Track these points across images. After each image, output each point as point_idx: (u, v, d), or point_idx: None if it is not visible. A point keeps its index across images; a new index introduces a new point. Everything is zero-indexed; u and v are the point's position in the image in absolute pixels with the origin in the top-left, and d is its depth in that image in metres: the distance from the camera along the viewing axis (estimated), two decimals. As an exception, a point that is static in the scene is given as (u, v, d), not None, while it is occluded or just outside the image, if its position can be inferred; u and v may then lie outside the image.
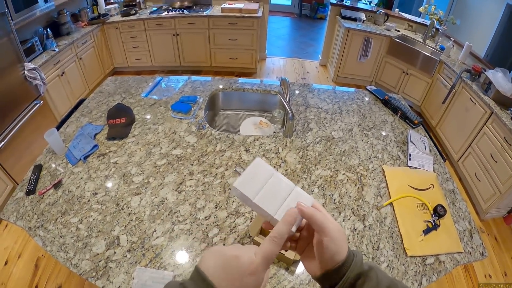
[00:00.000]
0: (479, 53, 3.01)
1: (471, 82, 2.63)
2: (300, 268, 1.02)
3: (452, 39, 3.18)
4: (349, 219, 1.19)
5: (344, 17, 3.95)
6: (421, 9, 3.64)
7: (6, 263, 1.96)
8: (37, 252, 2.02)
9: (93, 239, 1.07)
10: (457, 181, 2.75)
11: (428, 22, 3.55)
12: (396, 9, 4.22)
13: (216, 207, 1.20)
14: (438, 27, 3.42)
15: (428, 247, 1.10)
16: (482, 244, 1.15)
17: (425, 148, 1.52)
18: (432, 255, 1.09)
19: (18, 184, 2.28)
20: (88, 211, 1.16)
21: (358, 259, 0.42)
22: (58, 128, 1.59)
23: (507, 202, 2.26)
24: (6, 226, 2.21)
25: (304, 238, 0.47)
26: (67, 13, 3.21)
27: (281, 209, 0.46)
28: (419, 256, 1.08)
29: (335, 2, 4.18)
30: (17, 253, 2.03)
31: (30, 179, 1.30)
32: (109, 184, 1.28)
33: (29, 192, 1.24)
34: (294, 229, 0.43)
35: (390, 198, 1.27)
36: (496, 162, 2.24)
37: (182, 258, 1.03)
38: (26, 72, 2.42)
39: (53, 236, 1.08)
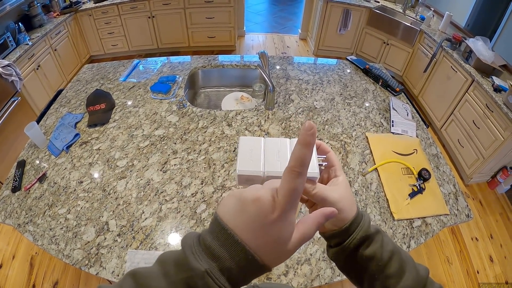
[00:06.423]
0: (459, 23, 3.02)
1: (452, 51, 2.65)
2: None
3: (432, 8, 3.18)
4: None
5: (322, -11, 3.88)
6: (400, -20, 3.61)
7: (1, 266, 1.92)
8: (30, 250, 1.99)
9: (82, 227, 1.06)
10: (441, 148, 2.81)
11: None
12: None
13: (202, 183, 1.20)
14: (418, -3, 3.42)
15: (415, 210, 1.13)
16: (468, 206, 1.18)
17: (407, 115, 1.54)
18: (419, 218, 1.11)
19: (3, 184, 2.25)
20: (75, 200, 1.15)
21: (366, 220, 0.42)
22: (38, 121, 1.55)
23: (490, 167, 2.32)
24: (-3, 229, 2.17)
25: None
26: (38, 4, 3.08)
27: None
28: (406, 219, 1.10)
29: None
30: (11, 254, 1.99)
31: (15, 176, 1.26)
32: (94, 171, 1.26)
33: (15, 189, 1.21)
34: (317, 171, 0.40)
35: (375, 164, 1.29)
36: (479, 128, 2.29)
37: (172, 237, 1.04)
38: (0, 69, 2.33)
39: (43, 230, 1.06)
